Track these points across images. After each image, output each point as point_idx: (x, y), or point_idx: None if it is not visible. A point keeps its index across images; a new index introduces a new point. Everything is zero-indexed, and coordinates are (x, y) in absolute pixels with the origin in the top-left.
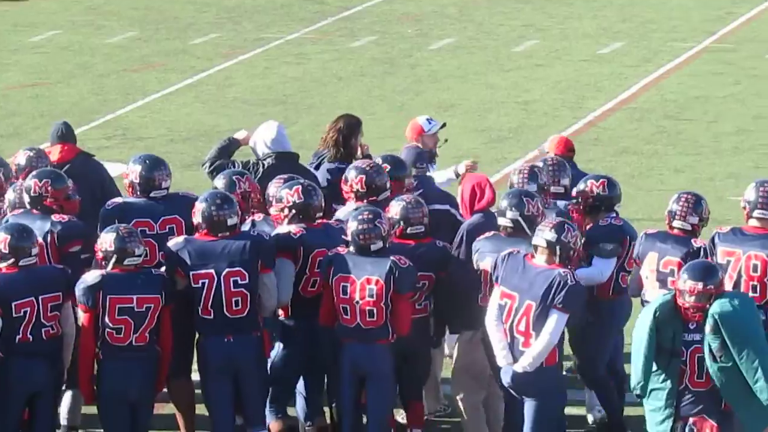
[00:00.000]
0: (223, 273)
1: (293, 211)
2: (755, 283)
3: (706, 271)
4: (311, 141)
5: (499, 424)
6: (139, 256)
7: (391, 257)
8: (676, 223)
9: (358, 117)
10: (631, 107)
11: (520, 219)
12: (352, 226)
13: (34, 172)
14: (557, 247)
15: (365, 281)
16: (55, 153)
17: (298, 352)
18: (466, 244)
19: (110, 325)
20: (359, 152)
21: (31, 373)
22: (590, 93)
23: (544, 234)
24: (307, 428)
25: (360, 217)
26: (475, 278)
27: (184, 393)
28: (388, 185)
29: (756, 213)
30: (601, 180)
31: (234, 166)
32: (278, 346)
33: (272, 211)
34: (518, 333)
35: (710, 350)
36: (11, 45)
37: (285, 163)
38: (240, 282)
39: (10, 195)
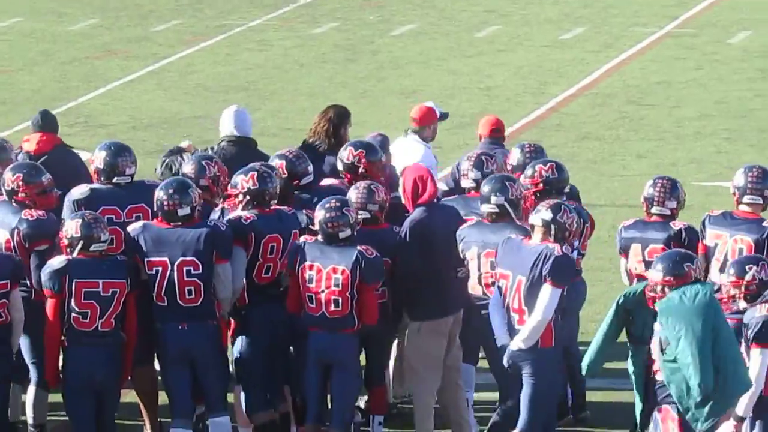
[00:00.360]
0: (177, 262)
1: (247, 197)
2: None
3: (667, 261)
4: (273, 127)
5: (459, 413)
6: (105, 242)
7: (358, 247)
8: (655, 209)
9: (345, 107)
10: (593, 93)
11: (505, 204)
12: (319, 215)
13: (11, 165)
14: (552, 227)
15: (331, 270)
16: (32, 143)
17: (258, 341)
18: (410, 238)
19: (76, 309)
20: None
21: None
22: (552, 79)
23: (540, 214)
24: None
25: (327, 205)
26: (423, 271)
27: (147, 380)
28: (309, 170)
29: (746, 198)
30: (549, 164)
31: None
32: (240, 336)
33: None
34: (513, 311)
35: (660, 341)
36: None
37: (240, 148)
38: (193, 272)
39: None
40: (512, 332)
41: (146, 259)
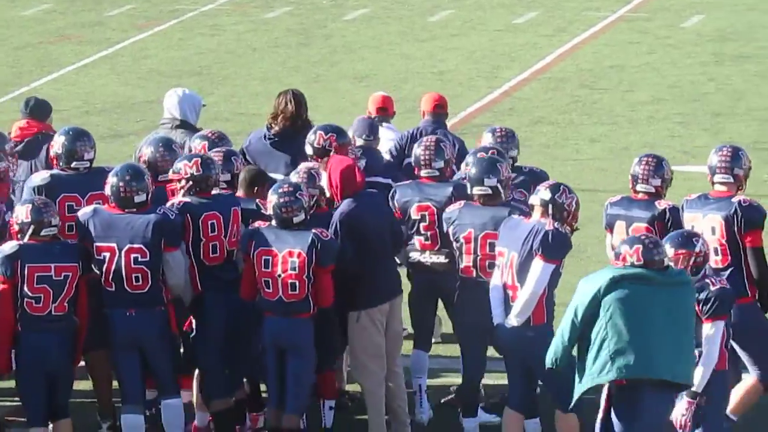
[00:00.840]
0: (125, 248)
1: (190, 182)
2: (716, 245)
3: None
4: (226, 112)
5: (395, 400)
6: (55, 226)
7: (313, 230)
8: (640, 187)
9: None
10: (546, 77)
11: (498, 185)
12: (273, 200)
13: None
14: (551, 206)
15: (287, 254)
16: (16, 128)
17: (215, 328)
18: (341, 230)
19: (29, 294)
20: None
21: None
22: (505, 63)
23: (540, 194)
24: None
25: (280, 190)
26: (357, 262)
27: (101, 364)
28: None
29: (717, 178)
30: (491, 150)
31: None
32: (195, 324)
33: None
34: (508, 288)
35: None
36: None
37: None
38: (140, 259)
39: None
40: (507, 310)
41: (95, 245)
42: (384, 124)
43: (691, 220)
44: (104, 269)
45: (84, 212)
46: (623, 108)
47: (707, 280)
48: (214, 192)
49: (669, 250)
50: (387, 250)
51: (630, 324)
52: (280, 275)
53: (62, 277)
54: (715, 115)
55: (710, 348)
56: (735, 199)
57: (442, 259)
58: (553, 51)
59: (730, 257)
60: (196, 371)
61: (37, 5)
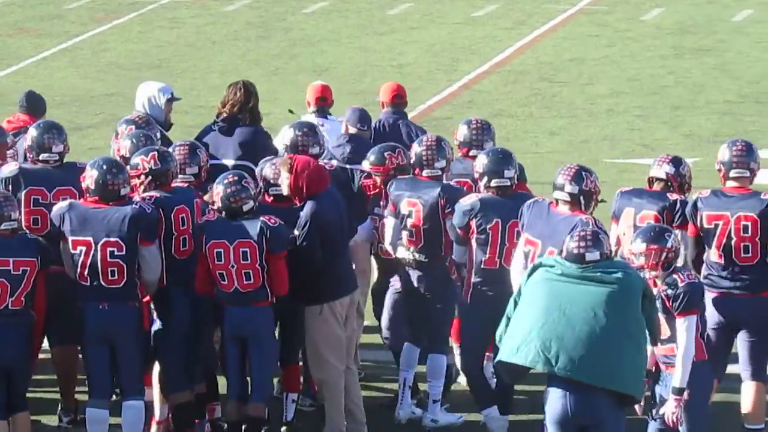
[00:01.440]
0: (101, 242)
1: (149, 177)
2: (747, 243)
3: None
4: (185, 105)
5: (351, 398)
6: (15, 220)
7: (261, 218)
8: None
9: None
10: (506, 70)
11: (515, 176)
12: (219, 191)
13: None
14: (580, 197)
15: (238, 244)
16: (5, 121)
17: (180, 322)
18: (312, 230)
19: None
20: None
21: None
22: (465, 56)
23: (566, 188)
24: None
25: (226, 181)
26: (322, 259)
27: (67, 359)
28: (158, 137)
29: (733, 173)
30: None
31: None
32: (159, 317)
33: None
34: None
35: None
36: None
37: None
38: (116, 253)
39: None
40: None
41: (71, 239)
42: (328, 117)
43: (714, 219)
44: (80, 263)
45: (60, 207)
46: (583, 101)
47: (675, 276)
48: (173, 185)
49: (640, 245)
50: (346, 244)
51: (528, 312)
52: (233, 266)
53: (20, 272)
54: (675, 108)
55: (687, 343)
56: (765, 196)
57: (422, 258)
58: (513, 44)
59: (759, 254)
60: (156, 366)
61: None
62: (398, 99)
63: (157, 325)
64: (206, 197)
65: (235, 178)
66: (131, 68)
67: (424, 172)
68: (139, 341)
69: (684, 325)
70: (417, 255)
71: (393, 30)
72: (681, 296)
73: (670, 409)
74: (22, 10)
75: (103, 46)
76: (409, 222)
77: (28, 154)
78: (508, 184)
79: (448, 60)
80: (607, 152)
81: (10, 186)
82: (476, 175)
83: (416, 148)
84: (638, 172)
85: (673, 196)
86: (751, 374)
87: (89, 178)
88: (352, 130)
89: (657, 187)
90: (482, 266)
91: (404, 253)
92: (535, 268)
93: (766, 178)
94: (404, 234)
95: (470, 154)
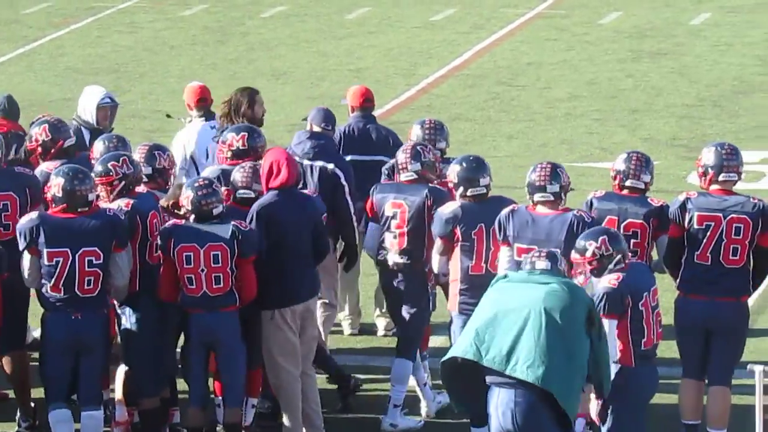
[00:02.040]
0: (79, 252)
1: (123, 182)
2: (736, 245)
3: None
4: (143, 110)
5: (309, 403)
6: None
7: (232, 222)
8: (630, 182)
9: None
10: (464, 74)
11: (490, 183)
12: (190, 195)
13: None
14: (561, 194)
15: (209, 248)
16: None
17: (149, 327)
18: (256, 222)
19: None
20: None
21: None
22: (422, 60)
23: (548, 188)
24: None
25: (196, 184)
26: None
27: (17, 366)
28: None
29: (722, 176)
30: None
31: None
32: (129, 323)
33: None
34: None
35: None
36: None
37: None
38: (95, 262)
39: None
40: None
41: (46, 251)
42: (204, 121)
43: (707, 219)
44: (56, 275)
45: (29, 220)
46: (541, 105)
47: (594, 279)
48: (137, 190)
49: (589, 245)
50: (305, 251)
51: (472, 317)
52: (203, 269)
53: None
54: (633, 111)
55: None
56: (755, 200)
57: (404, 260)
58: (471, 48)
59: (745, 258)
60: (120, 370)
61: None
62: (367, 103)
63: (126, 330)
64: (162, 202)
65: (205, 182)
66: (89, 73)
67: (402, 176)
68: (107, 349)
69: (605, 328)
70: (399, 257)
71: (351, 34)
72: (600, 299)
73: (593, 409)
74: None
75: (61, 50)
76: (393, 224)
77: None
78: (484, 191)
79: (407, 64)
80: (565, 156)
81: None
82: (450, 185)
83: (398, 154)
84: (596, 176)
85: (657, 201)
86: (720, 379)
87: (55, 186)
88: (317, 129)
89: (630, 191)
90: (469, 272)
91: (386, 255)
92: (493, 283)
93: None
94: (387, 236)
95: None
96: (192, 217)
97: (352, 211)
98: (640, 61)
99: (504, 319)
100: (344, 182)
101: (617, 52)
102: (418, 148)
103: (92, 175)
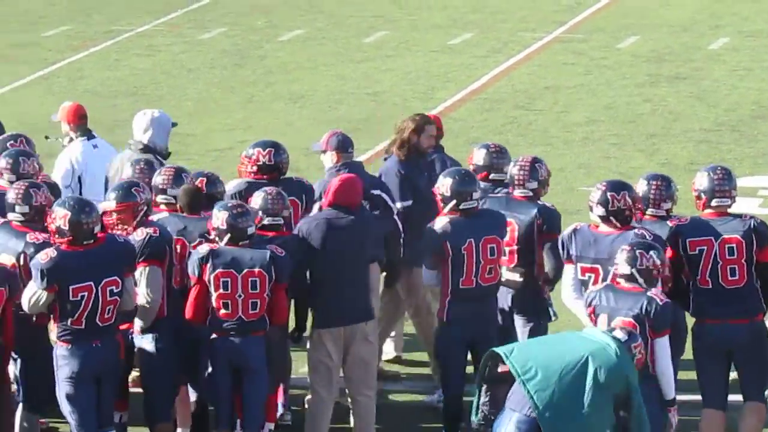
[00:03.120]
0: (101, 283)
1: (146, 208)
2: (733, 266)
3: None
4: None
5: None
6: None
7: (268, 247)
8: (651, 211)
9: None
10: (482, 98)
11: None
12: (223, 216)
13: None
14: (611, 217)
15: (247, 273)
16: None
17: (170, 352)
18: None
19: None
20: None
21: None
22: (440, 83)
23: (596, 210)
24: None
25: (229, 205)
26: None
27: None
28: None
29: (714, 202)
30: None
31: None
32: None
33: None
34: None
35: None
36: None
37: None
38: (114, 290)
39: None
40: None
41: (72, 288)
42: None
43: (699, 244)
44: (80, 309)
45: (48, 258)
46: (558, 129)
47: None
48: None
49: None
50: (357, 272)
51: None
52: (240, 295)
53: None
54: (650, 136)
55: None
56: (746, 218)
57: (516, 276)
58: (489, 72)
59: (746, 276)
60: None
61: None
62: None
63: (144, 354)
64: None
65: (237, 203)
66: (108, 96)
67: (517, 192)
68: (120, 372)
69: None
70: (509, 274)
71: (369, 58)
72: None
73: None
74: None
75: (80, 73)
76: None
77: None
78: (475, 205)
79: (424, 88)
80: (582, 180)
81: None
82: (439, 197)
83: (511, 169)
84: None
85: (673, 222)
86: (753, 394)
87: (60, 218)
88: (345, 157)
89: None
90: (460, 286)
91: (506, 274)
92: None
93: (744, 207)
94: None
95: (490, 177)
96: (227, 237)
97: (401, 228)
98: (658, 85)
99: (557, 345)
100: (390, 203)
101: (635, 77)
102: (536, 164)
103: (112, 201)
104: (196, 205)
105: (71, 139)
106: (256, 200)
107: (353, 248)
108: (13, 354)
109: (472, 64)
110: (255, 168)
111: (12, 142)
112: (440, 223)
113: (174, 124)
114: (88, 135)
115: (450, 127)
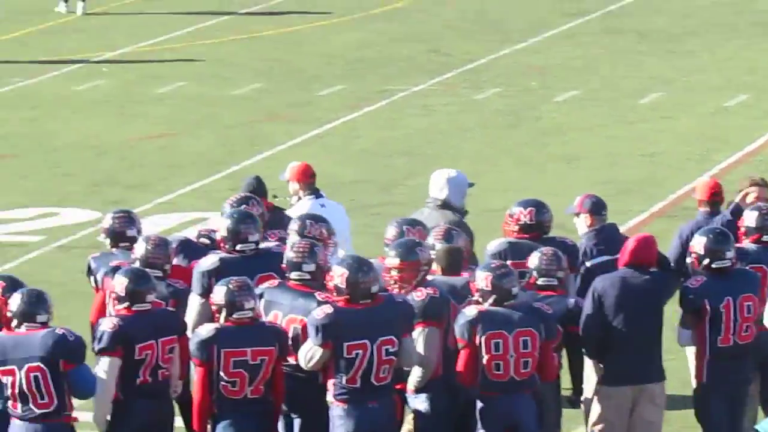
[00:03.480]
0: (377, 342)
1: (428, 268)
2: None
3: None
4: None
5: None
6: (250, 309)
7: (535, 304)
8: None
9: None
10: (758, 159)
11: None
12: (486, 277)
13: None
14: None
15: (518, 333)
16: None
17: (446, 408)
18: (594, 298)
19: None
20: None
21: None
22: (716, 145)
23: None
24: None
25: (493, 266)
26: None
27: None
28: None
29: (716, 264)
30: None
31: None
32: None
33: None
34: None
35: None
36: (137, 96)
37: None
38: (390, 350)
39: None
40: None
41: (345, 344)
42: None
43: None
44: (354, 368)
45: (323, 315)
46: None
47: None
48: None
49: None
50: (651, 332)
51: None
52: (512, 355)
53: (258, 361)
54: None
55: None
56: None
57: None
58: (765, 133)
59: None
60: None
61: (247, 85)
62: (715, 197)
63: (420, 416)
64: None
65: (501, 263)
66: (382, 155)
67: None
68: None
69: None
70: None
71: (643, 119)
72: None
73: None
74: (274, 96)
75: (355, 132)
76: None
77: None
78: (729, 264)
79: (700, 149)
80: None
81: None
82: (694, 255)
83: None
84: None
85: None
86: None
87: (338, 277)
88: (599, 220)
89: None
90: (717, 344)
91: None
92: None
93: None
94: None
95: (763, 240)
96: (491, 298)
97: None
98: None
99: None
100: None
101: None
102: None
103: (395, 258)
104: (457, 265)
105: (299, 198)
106: (533, 260)
107: (648, 307)
108: (291, 414)
109: (748, 126)
110: (517, 227)
111: (245, 205)
112: (694, 281)
113: (471, 185)
114: (316, 194)
115: (726, 189)
